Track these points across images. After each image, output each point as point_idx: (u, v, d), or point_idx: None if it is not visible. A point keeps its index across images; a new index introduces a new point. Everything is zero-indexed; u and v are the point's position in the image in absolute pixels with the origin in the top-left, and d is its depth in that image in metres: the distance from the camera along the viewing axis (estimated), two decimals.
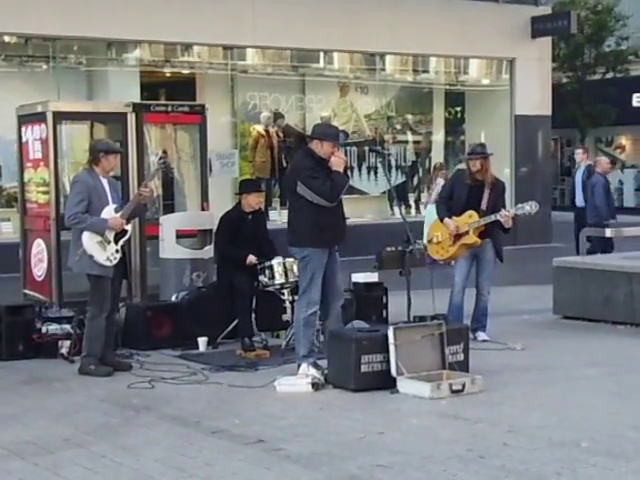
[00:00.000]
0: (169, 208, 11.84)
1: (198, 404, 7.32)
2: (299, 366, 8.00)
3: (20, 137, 11.18)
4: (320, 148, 8.04)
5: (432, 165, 20.60)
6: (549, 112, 21.21)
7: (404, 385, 7.46)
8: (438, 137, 21.68)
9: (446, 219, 9.73)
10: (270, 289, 9.39)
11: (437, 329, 7.82)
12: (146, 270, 10.76)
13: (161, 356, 9.05)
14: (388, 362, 7.55)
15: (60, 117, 10.66)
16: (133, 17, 16.29)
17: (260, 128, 18.47)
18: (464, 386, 7.43)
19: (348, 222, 8.61)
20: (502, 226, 9.60)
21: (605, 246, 14.31)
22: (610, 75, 27.18)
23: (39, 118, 10.66)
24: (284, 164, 18.04)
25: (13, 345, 8.95)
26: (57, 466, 5.85)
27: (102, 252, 8.30)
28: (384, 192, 20.09)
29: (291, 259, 9.02)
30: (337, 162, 8.01)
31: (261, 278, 9.32)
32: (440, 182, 15.64)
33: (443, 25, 19.36)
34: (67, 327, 9.11)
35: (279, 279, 9.27)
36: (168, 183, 12.16)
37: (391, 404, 7.23)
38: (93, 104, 12.94)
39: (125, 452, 6.12)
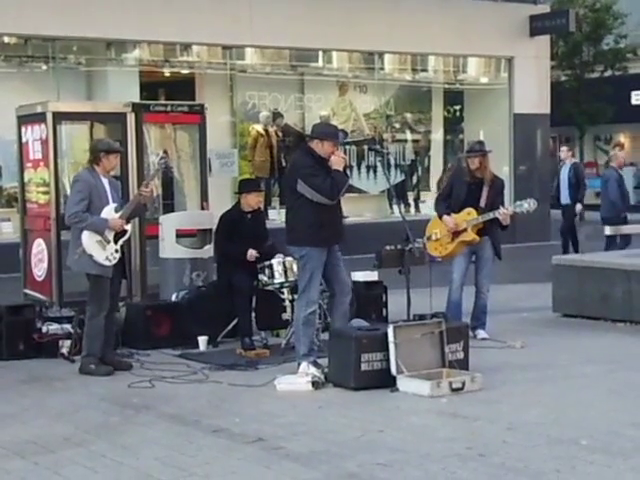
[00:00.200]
0: (169, 208, 11.86)
1: (198, 403, 7.34)
2: (299, 365, 8.01)
3: (20, 137, 11.20)
4: (321, 147, 8.05)
5: (430, 164, 20.70)
6: (548, 110, 21.22)
7: (404, 383, 7.48)
8: (437, 136, 21.69)
9: (445, 216, 9.75)
10: (270, 288, 9.41)
11: (437, 327, 7.83)
12: (146, 269, 10.78)
13: (161, 355, 9.06)
14: (388, 360, 7.57)
15: (60, 117, 10.67)
16: (132, 17, 16.29)
17: (259, 127, 18.47)
18: (464, 384, 7.45)
19: (347, 221, 8.65)
20: (500, 223, 9.62)
21: (625, 242, 14.41)
22: (609, 73, 27.18)
23: (39, 118, 10.68)
24: (283, 163, 18.05)
25: (14, 345, 8.97)
26: (57, 465, 5.87)
27: (101, 252, 8.32)
28: (383, 191, 20.11)
29: (290, 258, 9.03)
30: (337, 161, 8.03)
31: (261, 277, 9.34)
32: None
33: (442, 24, 19.36)
34: (67, 327, 9.13)
35: (279, 278, 9.28)
36: (168, 183, 12.19)
37: (391, 402, 7.24)
38: (93, 104, 12.96)
39: (125, 451, 6.13)
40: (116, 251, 8.41)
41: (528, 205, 9.69)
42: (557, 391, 7.57)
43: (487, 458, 5.83)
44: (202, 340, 9.33)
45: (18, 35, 16.23)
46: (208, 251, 10.33)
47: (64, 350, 8.97)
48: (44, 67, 16.68)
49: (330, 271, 8.14)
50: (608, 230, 13.36)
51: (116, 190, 8.71)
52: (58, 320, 9.25)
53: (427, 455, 5.91)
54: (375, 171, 20.19)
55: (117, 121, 10.86)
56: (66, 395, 7.70)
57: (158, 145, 11.63)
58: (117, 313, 9.09)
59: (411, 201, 20.75)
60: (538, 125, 20.92)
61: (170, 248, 10.37)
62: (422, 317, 8.69)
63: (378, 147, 19.41)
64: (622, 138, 32.10)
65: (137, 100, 13.62)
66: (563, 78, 26.87)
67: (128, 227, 8.54)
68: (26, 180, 11.18)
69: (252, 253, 9.41)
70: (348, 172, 8.55)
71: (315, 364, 7.97)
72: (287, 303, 9.34)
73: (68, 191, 10.09)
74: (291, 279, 9.19)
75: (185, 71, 18.39)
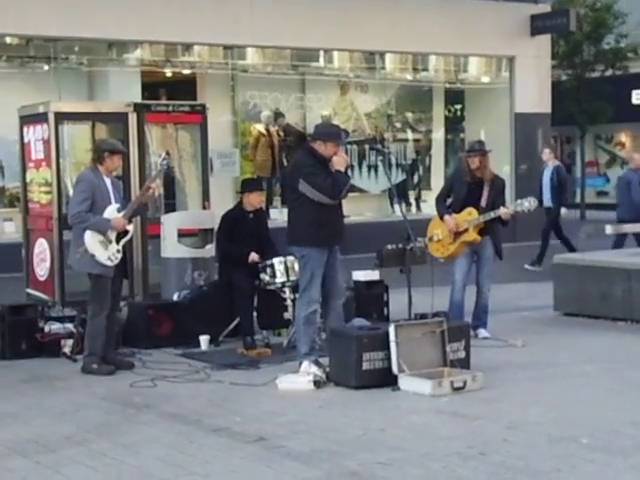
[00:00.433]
0: (170, 207, 11.88)
1: (199, 402, 7.35)
2: (300, 364, 8.03)
3: (22, 137, 11.23)
4: (323, 148, 8.06)
5: (431, 163, 20.70)
6: (548, 110, 21.23)
7: (405, 382, 7.49)
8: (438, 135, 21.70)
9: (446, 216, 9.76)
10: (271, 288, 9.42)
11: (438, 326, 7.84)
12: (148, 269, 10.80)
13: (163, 354, 9.08)
14: (389, 359, 7.58)
15: (61, 117, 10.70)
16: (133, 17, 16.31)
17: (261, 127, 18.48)
18: (465, 383, 7.46)
19: (348, 220, 8.66)
20: (501, 220, 9.64)
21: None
22: (609, 72, 27.17)
23: (41, 118, 10.71)
24: (284, 163, 18.06)
25: (16, 344, 8.99)
26: (58, 464, 5.88)
27: (104, 251, 8.34)
28: (384, 190, 20.13)
29: (292, 257, 9.05)
30: (339, 161, 8.04)
31: (262, 276, 9.35)
32: None
33: (443, 23, 19.38)
34: (69, 326, 9.15)
35: (280, 278, 9.29)
36: (169, 182, 12.20)
37: (392, 401, 7.25)
38: (94, 104, 12.98)
39: (126, 450, 6.15)
40: (118, 251, 8.43)
41: (529, 204, 9.70)
42: (557, 390, 7.59)
43: (488, 457, 5.85)
44: (204, 339, 9.34)
45: (19, 35, 16.25)
46: (209, 250, 10.36)
47: (66, 349, 9.00)
48: (46, 67, 16.71)
49: (328, 273, 8.15)
50: (609, 229, 13.36)
51: (118, 190, 8.74)
52: (60, 319, 9.26)
53: (428, 454, 5.93)
54: (376, 170, 20.21)
55: (119, 121, 10.89)
56: (68, 394, 7.72)
57: (160, 145, 11.65)
58: (119, 312, 9.11)
59: (412, 200, 20.77)
60: (539, 124, 20.92)
61: (172, 247, 10.39)
62: (423, 316, 8.71)
63: (379, 146, 19.45)
64: (623, 137, 32.12)
65: (138, 100, 13.64)
66: (564, 77, 26.85)
67: (130, 227, 8.56)
68: (28, 180, 11.20)
69: (254, 257, 9.42)
70: (349, 172, 8.55)
71: (316, 363, 7.98)
72: (288, 302, 9.35)
73: (70, 191, 10.12)
74: (292, 278, 9.20)
75: (186, 71, 18.40)
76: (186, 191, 12.28)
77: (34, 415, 7.08)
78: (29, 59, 16.74)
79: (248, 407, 7.17)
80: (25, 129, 11.16)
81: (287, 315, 9.42)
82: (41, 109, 10.78)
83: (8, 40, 16.38)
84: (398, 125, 20.98)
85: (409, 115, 21.13)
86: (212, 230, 10.39)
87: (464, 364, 7.93)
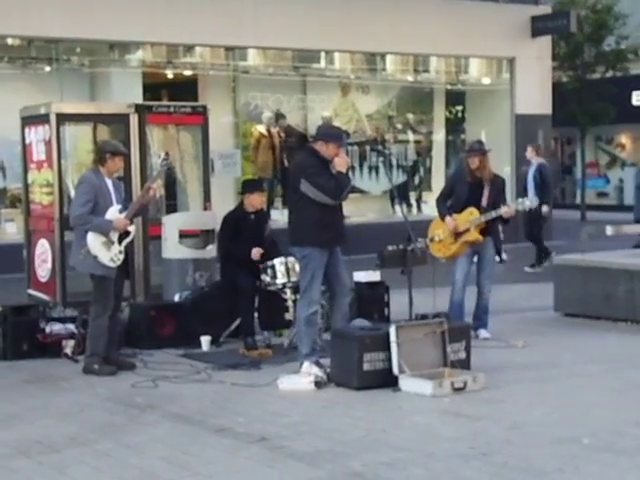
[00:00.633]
0: (172, 208, 11.90)
1: (202, 403, 7.36)
2: (301, 364, 8.04)
3: (24, 138, 11.25)
4: (325, 149, 8.08)
5: (432, 164, 20.70)
6: (549, 111, 21.24)
7: (406, 383, 7.50)
8: (439, 136, 21.71)
9: (446, 217, 9.76)
10: (272, 289, 9.43)
11: (439, 327, 7.85)
12: (149, 270, 10.81)
13: (164, 355, 9.09)
14: (390, 360, 7.59)
15: (63, 118, 10.71)
16: (135, 19, 16.32)
17: (262, 128, 18.50)
18: (466, 384, 7.47)
19: (349, 221, 8.66)
20: (502, 218, 9.66)
21: None
22: (610, 74, 27.19)
23: (43, 119, 10.73)
24: (286, 164, 18.08)
25: (18, 345, 9.00)
26: (62, 465, 5.90)
27: (106, 253, 8.35)
28: (385, 191, 20.14)
29: (293, 258, 9.06)
30: (340, 163, 8.06)
31: (263, 277, 9.36)
32: None
33: (444, 25, 19.39)
34: (71, 327, 9.16)
35: (281, 279, 9.30)
36: (171, 183, 12.22)
37: (393, 402, 7.26)
38: (96, 105, 12.98)
39: (129, 450, 6.16)
40: (120, 252, 8.44)
41: (530, 202, 9.73)
42: (560, 390, 7.60)
43: (490, 457, 5.86)
44: (205, 340, 9.35)
45: (22, 37, 16.25)
46: (211, 251, 10.37)
47: (68, 350, 9.00)
48: (47, 68, 16.72)
49: (331, 272, 8.17)
50: (609, 230, 13.36)
51: (119, 191, 8.74)
52: (62, 320, 9.27)
53: (431, 454, 5.94)
54: (377, 171, 20.23)
55: (120, 122, 10.91)
56: (70, 395, 7.73)
57: (161, 146, 11.67)
58: (120, 313, 9.12)
59: (413, 201, 20.78)
60: (539, 126, 20.92)
61: (173, 248, 10.41)
62: (424, 317, 8.72)
63: (380, 147, 19.47)
64: (623, 139, 32.14)
65: (140, 101, 13.66)
66: (564, 79, 26.87)
67: (132, 228, 8.57)
68: (30, 181, 11.21)
69: (257, 252, 9.43)
70: (351, 174, 8.56)
71: (317, 364, 7.99)
72: (290, 303, 9.36)
73: (72, 192, 10.14)
74: (293, 279, 9.21)
75: (188, 72, 18.41)
76: (187, 192, 12.30)
77: (38, 416, 7.09)
78: (31, 60, 16.74)
79: (251, 408, 7.18)
80: (27, 130, 11.18)
81: (288, 316, 9.42)
82: (43, 110, 10.80)
83: (10, 41, 16.40)
84: (399, 126, 21.00)
85: (410, 116, 21.14)
86: (213, 231, 10.40)
87: (465, 365, 7.94)
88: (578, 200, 28.87)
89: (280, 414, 6.97)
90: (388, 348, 7.60)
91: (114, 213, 8.43)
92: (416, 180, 21.21)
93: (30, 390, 7.91)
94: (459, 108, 22.16)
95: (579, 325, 10.54)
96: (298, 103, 19.45)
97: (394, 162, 20.59)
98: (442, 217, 9.84)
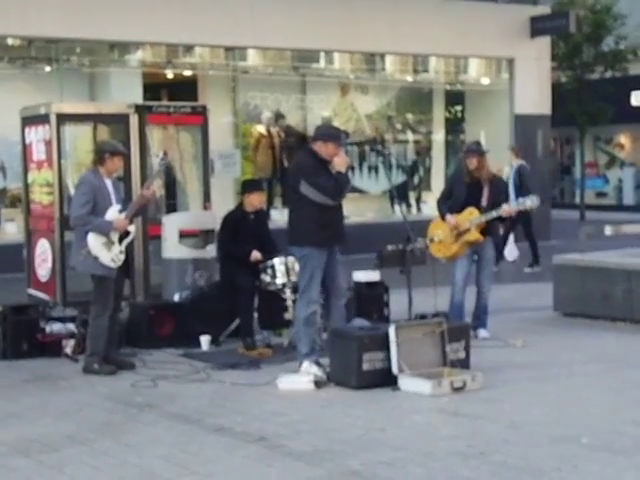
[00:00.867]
0: (171, 208, 11.91)
1: (201, 402, 7.37)
2: (301, 364, 8.06)
3: (24, 138, 11.26)
4: (324, 149, 8.10)
5: (431, 164, 20.73)
6: (548, 111, 21.26)
7: (405, 382, 7.52)
8: (438, 136, 21.73)
9: (447, 216, 9.77)
10: (271, 289, 9.45)
11: (438, 327, 7.87)
12: (149, 269, 10.83)
13: (164, 354, 9.10)
14: (389, 360, 7.60)
15: (63, 118, 10.72)
16: (135, 19, 16.33)
17: (261, 128, 18.52)
18: (465, 383, 7.49)
19: (349, 221, 8.67)
20: (500, 217, 9.68)
21: None
22: (609, 74, 27.22)
23: (43, 119, 10.73)
24: (285, 164, 18.10)
25: (18, 344, 9.01)
26: (61, 463, 5.91)
27: (107, 253, 8.36)
28: (385, 191, 20.15)
29: (292, 258, 9.07)
30: (340, 162, 8.07)
31: (263, 277, 9.38)
32: None
33: (443, 25, 19.41)
34: (71, 326, 9.18)
35: (281, 279, 9.32)
36: (170, 183, 12.24)
37: (392, 401, 7.28)
38: (96, 105, 12.99)
39: (128, 449, 6.18)
40: (121, 252, 8.45)
41: (531, 202, 9.74)
42: (558, 390, 7.61)
43: (488, 456, 5.87)
44: (204, 339, 9.37)
45: (22, 37, 16.27)
46: (210, 251, 10.38)
47: (68, 349, 9.02)
48: (47, 68, 16.73)
49: (328, 274, 8.18)
50: (608, 230, 13.39)
51: (118, 191, 8.75)
52: (62, 320, 9.29)
53: (429, 453, 5.95)
54: (377, 171, 20.25)
55: (120, 122, 10.92)
56: (70, 394, 7.75)
57: (161, 146, 11.68)
58: (120, 313, 9.13)
59: (412, 201, 20.80)
60: (539, 126, 20.95)
61: (173, 248, 10.42)
62: (423, 317, 8.73)
63: (380, 148, 19.48)
64: (622, 139, 32.16)
65: (140, 101, 13.67)
66: (563, 79, 26.90)
67: (132, 228, 8.58)
68: (30, 181, 11.23)
69: (256, 255, 9.45)
70: (350, 173, 8.57)
71: (317, 363, 8.01)
72: (289, 303, 9.37)
73: (72, 192, 10.15)
74: (293, 279, 9.23)
75: (188, 72, 18.42)
76: (187, 192, 12.31)
77: (37, 415, 7.11)
78: (31, 60, 16.75)
79: (250, 407, 7.19)
80: (27, 130, 11.19)
81: (288, 315, 9.43)
82: (43, 110, 10.80)
83: (10, 41, 16.41)
84: (398, 126, 21.02)
85: (409, 116, 21.16)
86: (213, 231, 10.41)
87: (464, 364, 7.96)
88: (577, 200, 28.91)
89: (279, 413, 6.99)
90: (387, 348, 7.61)
91: (114, 213, 8.44)
92: (415, 180, 21.23)
93: (30, 389, 7.93)
94: (458, 108, 22.17)
95: (578, 325, 10.56)
96: (297, 103, 19.47)
97: (393, 162, 20.61)
98: (443, 217, 9.85)
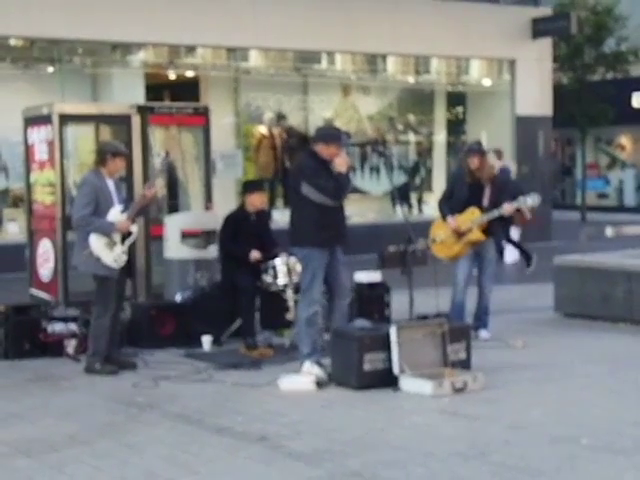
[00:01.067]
0: (173, 208, 11.93)
1: (202, 402, 7.39)
2: (302, 364, 8.08)
3: (26, 139, 11.28)
4: (325, 150, 8.12)
5: (433, 165, 20.74)
6: (550, 112, 21.27)
7: (406, 383, 7.53)
8: (439, 137, 21.74)
9: (448, 217, 9.78)
10: (273, 289, 9.46)
11: (439, 327, 7.89)
12: (151, 269, 10.85)
13: (165, 355, 9.11)
14: (390, 360, 7.61)
15: (66, 119, 10.75)
16: (137, 19, 16.36)
17: (263, 129, 18.54)
18: (466, 384, 7.50)
19: (350, 222, 8.67)
20: (502, 215, 9.72)
21: None
22: (610, 75, 27.22)
23: (45, 120, 10.76)
24: (287, 164, 18.11)
25: (20, 344, 9.03)
26: (62, 463, 5.93)
27: (109, 253, 8.37)
28: (386, 192, 20.17)
29: (294, 258, 9.09)
30: (341, 163, 8.09)
31: (264, 278, 9.39)
32: None
33: (444, 26, 19.43)
34: (73, 326, 9.19)
35: (282, 279, 9.33)
36: (172, 183, 12.26)
37: (393, 402, 7.29)
38: (98, 106, 13.02)
39: (129, 450, 6.19)
40: (123, 253, 8.45)
41: (532, 200, 9.75)
42: (558, 390, 7.62)
43: (489, 457, 5.89)
44: (206, 340, 9.38)
45: (24, 37, 16.29)
46: (212, 251, 10.39)
47: (69, 349, 9.04)
48: (50, 69, 16.74)
49: (330, 274, 8.20)
50: (609, 231, 13.41)
51: (120, 191, 8.76)
52: (63, 320, 9.31)
53: (429, 454, 5.96)
54: (378, 172, 20.26)
55: (122, 123, 10.95)
56: (71, 394, 7.76)
57: (163, 146, 11.72)
58: (122, 312, 9.15)
59: (414, 202, 20.82)
60: (540, 127, 20.96)
61: (175, 248, 10.44)
62: (424, 317, 8.75)
63: (381, 148, 19.51)
64: (623, 140, 32.16)
65: (142, 102, 13.70)
66: (565, 80, 26.90)
67: (134, 229, 8.59)
68: (32, 181, 11.25)
69: (256, 255, 9.46)
70: (352, 174, 8.58)
71: (318, 364, 8.02)
72: (291, 303, 9.38)
73: (74, 192, 10.17)
74: (295, 280, 9.24)
75: (190, 73, 18.44)
76: (189, 192, 12.33)
77: (38, 415, 7.12)
78: (33, 61, 16.76)
79: (251, 407, 7.20)
80: (29, 130, 11.21)
81: (289, 316, 9.45)
82: (45, 111, 10.84)
83: (12, 42, 16.43)
84: (400, 127, 21.03)
85: (411, 117, 21.17)
86: (215, 231, 10.43)
87: (465, 365, 7.98)
88: (578, 201, 28.91)
89: (280, 414, 7.00)
90: (388, 348, 7.62)
91: (115, 213, 8.45)
92: (417, 181, 21.24)
93: (31, 389, 7.94)
94: (460, 109, 22.18)
95: (578, 325, 10.57)
96: (299, 104, 19.49)
97: (395, 163, 20.62)
98: (444, 218, 9.86)
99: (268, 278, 9.37)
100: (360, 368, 7.61)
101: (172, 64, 18.10)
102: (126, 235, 8.48)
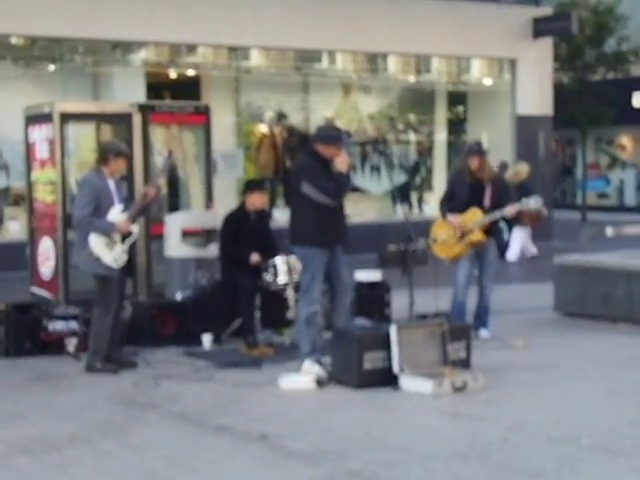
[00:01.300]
0: (174, 207, 11.94)
1: (202, 401, 7.39)
2: (302, 363, 8.08)
3: (27, 137, 11.29)
4: (325, 150, 8.13)
5: (433, 165, 20.73)
6: (550, 112, 21.27)
7: (406, 382, 7.54)
8: (440, 137, 21.73)
9: (449, 216, 9.78)
10: (274, 288, 9.47)
11: (439, 327, 7.90)
12: (151, 268, 10.85)
13: (166, 354, 9.11)
14: (390, 359, 7.62)
15: (67, 118, 10.76)
16: (138, 18, 16.36)
17: (264, 128, 18.55)
18: (466, 383, 7.51)
19: (351, 221, 8.68)
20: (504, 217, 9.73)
21: None
22: (611, 75, 27.21)
23: (46, 119, 10.77)
24: (287, 164, 18.11)
25: (20, 343, 9.03)
26: (63, 463, 5.93)
27: (109, 253, 8.36)
28: (387, 191, 20.17)
29: (294, 257, 9.09)
30: (341, 163, 8.10)
31: (265, 277, 9.40)
32: None
33: (445, 26, 19.43)
34: (73, 325, 9.20)
35: (283, 278, 9.34)
36: (173, 182, 12.27)
37: (393, 401, 7.30)
38: (99, 105, 13.04)
39: (130, 449, 6.19)
40: (123, 252, 8.45)
41: (535, 202, 9.75)
42: (558, 391, 7.62)
43: (489, 457, 5.89)
44: (207, 338, 9.39)
45: (25, 36, 16.28)
46: (213, 250, 10.40)
47: (70, 348, 9.04)
48: (51, 68, 16.75)
49: (332, 272, 8.22)
50: (610, 231, 13.41)
51: (120, 191, 8.76)
52: (64, 318, 9.30)
53: (429, 454, 5.97)
54: (379, 172, 20.27)
55: (123, 122, 10.96)
56: (72, 393, 7.76)
57: (164, 145, 11.72)
58: (122, 311, 9.15)
59: (414, 202, 20.82)
60: (540, 127, 20.97)
61: (175, 247, 10.45)
62: (424, 317, 8.75)
63: (382, 147, 19.51)
64: (624, 140, 32.16)
65: (143, 101, 13.70)
66: (565, 80, 26.90)
67: (135, 228, 8.59)
68: (33, 179, 11.26)
69: (255, 258, 9.46)
70: (352, 173, 8.59)
71: (318, 363, 8.03)
72: (291, 302, 9.39)
73: (74, 190, 10.18)
74: (295, 279, 9.25)
75: (191, 72, 18.44)
76: (190, 191, 12.34)
77: (39, 414, 7.13)
78: (34, 59, 16.76)
79: (251, 407, 7.21)
80: (30, 129, 11.23)
81: (290, 315, 9.46)
82: (46, 109, 10.85)
83: (13, 40, 16.42)
84: (400, 127, 21.03)
85: (411, 117, 21.16)
86: (215, 230, 10.43)
87: (465, 364, 7.99)
88: (579, 201, 28.91)
89: (280, 413, 7.00)
90: (388, 347, 7.63)
91: (116, 213, 8.45)
92: (417, 180, 21.25)
93: (32, 388, 7.94)
94: (460, 109, 22.18)
95: (578, 326, 10.57)
96: (300, 103, 19.48)
97: (395, 162, 20.62)
98: (444, 216, 9.85)
99: (269, 277, 9.38)
100: (360, 367, 7.62)
101: (173, 63, 18.09)
102: (127, 234, 8.48)
